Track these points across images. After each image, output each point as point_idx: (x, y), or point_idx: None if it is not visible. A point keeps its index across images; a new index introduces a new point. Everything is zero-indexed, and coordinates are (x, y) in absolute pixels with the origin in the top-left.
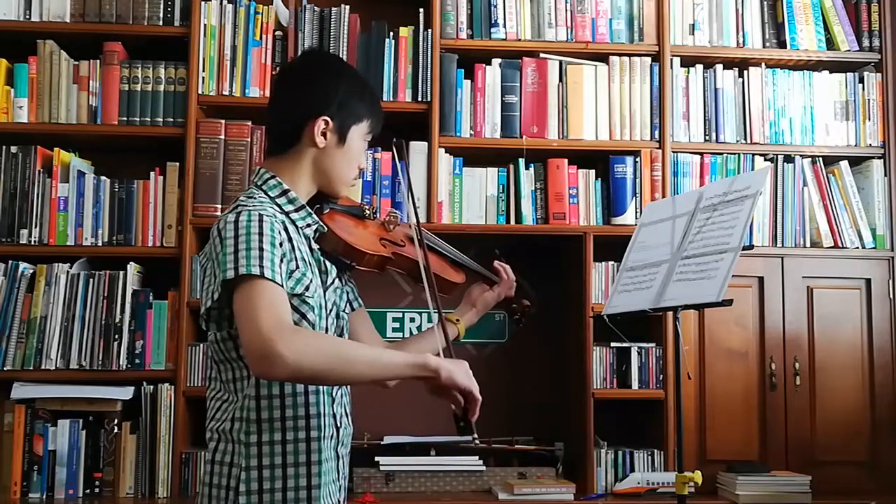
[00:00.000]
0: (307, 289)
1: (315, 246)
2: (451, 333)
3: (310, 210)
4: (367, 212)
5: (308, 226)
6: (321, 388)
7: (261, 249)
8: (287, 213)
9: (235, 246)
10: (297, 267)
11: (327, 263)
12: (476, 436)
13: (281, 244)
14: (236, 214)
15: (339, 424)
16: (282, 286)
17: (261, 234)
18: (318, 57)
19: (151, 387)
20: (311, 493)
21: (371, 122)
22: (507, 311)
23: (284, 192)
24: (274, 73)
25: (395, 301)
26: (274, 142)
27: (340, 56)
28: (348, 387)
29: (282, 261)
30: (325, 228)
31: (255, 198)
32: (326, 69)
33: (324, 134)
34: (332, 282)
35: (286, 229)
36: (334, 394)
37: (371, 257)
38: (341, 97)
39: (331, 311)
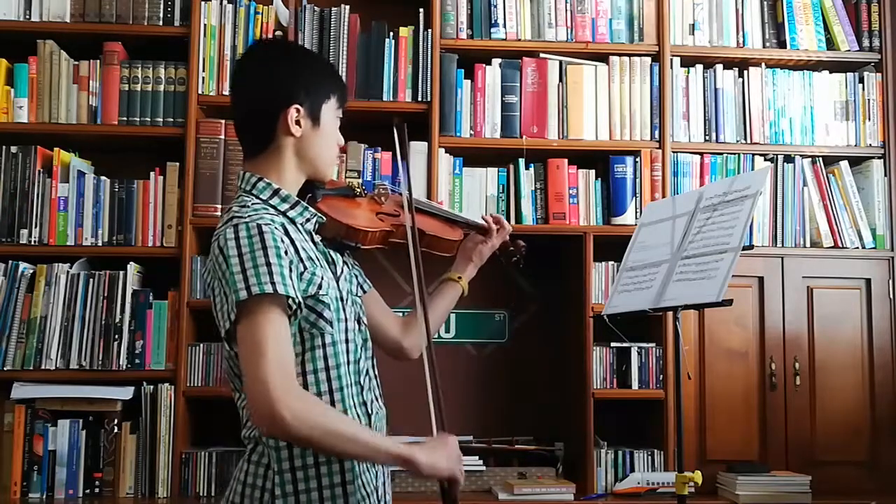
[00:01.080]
0: (320, 287)
1: (317, 238)
2: (456, 292)
3: (305, 205)
4: (358, 190)
5: (307, 220)
6: (346, 381)
7: (268, 264)
8: (284, 213)
9: (242, 264)
10: (306, 268)
11: (332, 254)
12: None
13: (286, 252)
14: (234, 229)
15: (370, 411)
16: (295, 297)
17: (264, 247)
18: (267, 46)
19: (151, 387)
20: (347, 489)
21: (338, 96)
22: (504, 256)
23: (276, 192)
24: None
25: (396, 301)
26: (249, 143)
27: (284, 38)
28: (375, 369)
29: (291, 270)
30: (324, 218)
31: (248, 206)
32: (280, 56)
33: (297, 122)
34: (342, 271)
35: (287, 232)
36: (362, 381)
37: (374, 234)
38: (304, 80)
39: (346, 299)
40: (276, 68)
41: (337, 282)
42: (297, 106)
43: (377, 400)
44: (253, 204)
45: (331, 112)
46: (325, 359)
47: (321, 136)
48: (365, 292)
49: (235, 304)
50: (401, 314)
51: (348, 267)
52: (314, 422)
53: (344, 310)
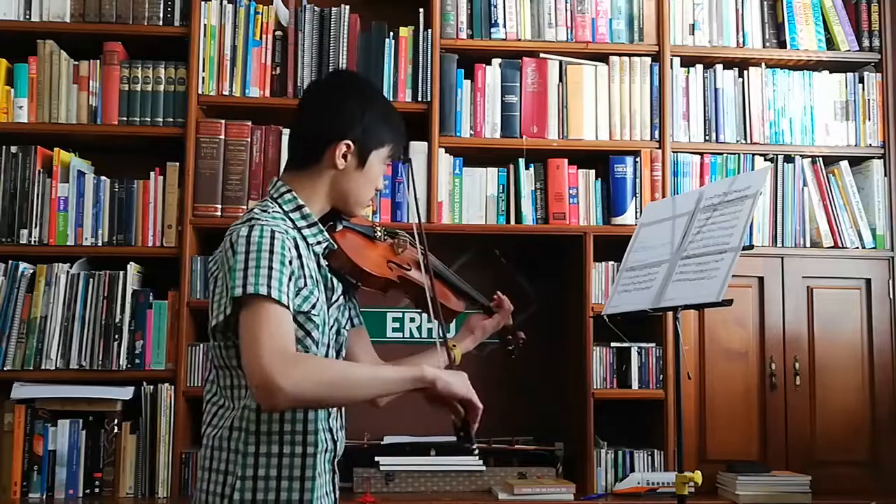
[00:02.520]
0: (313, 307)
1: (324, 262)
2: (446, 360)
3: (321, 227)
4: (379, 233)
5: (318, 243)
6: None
7: (270, 268)
8: (299, 229)
9: (246, 262)
10: (305, 284)
11: (334, 280)
12: (475, 445)
13: (290, 262)
14: (249, 228)
15: (335, 438)
16: (287, 307)
17: (271, 251)
18: (347, 78)
19: (151, 387)
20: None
21: (392, 147)
22: (501, 341)
23: (299, 208)
24: (274, 73)
25: (396, 301)
26: (294, 157)
27: (366, 77)
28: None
29: (290, 280)
30: (335, 246)
31: (268, 211)
32: (354, 91)
33: (344, 156)
34: (337, 299)
35: (297, 246)
36: (331, 409)
37: (377, 279)
38: (366, 122)
39: (332, 326)
40: (345, 100)
41: (328, 307)
42: (349, 142)
43: (341, 430)
44: (273, 211)
45: (379, 159)
46: None
47: (362, 177)
48: (353, 327)
49: (231, 300)
50: (400, 314)
51: (345, 298)
52: (315, 379)
53: (327, 335)
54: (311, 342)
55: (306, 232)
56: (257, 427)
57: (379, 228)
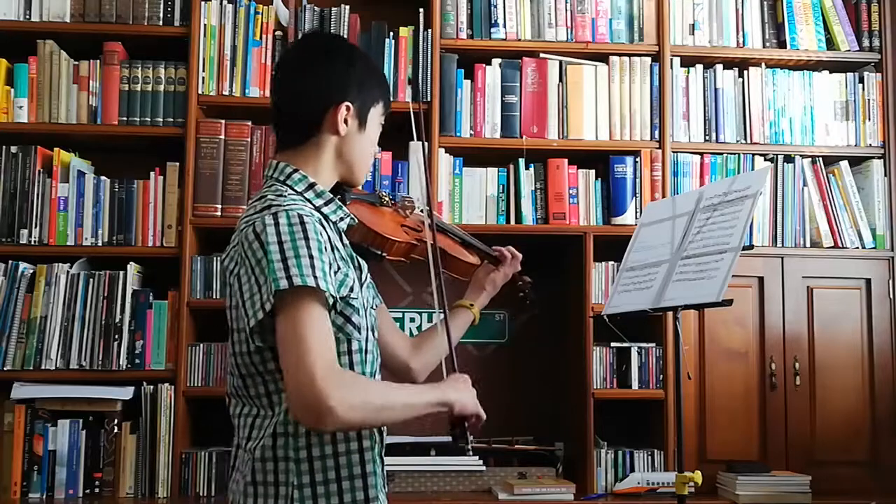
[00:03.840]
0: (351, 290)
1: (346, 240)
2: (467, 319)
3: (339, 203)
4: (385, 199)
5: (341, 219)
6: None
7: (311, 257)
8: (318, 208)
9: (282, 252)
10: (339, 268)
11: (359, 259)
12: (470, 445)
13: (326, 248)
14: (273, 216)
15: (381, 429)
16: (334, 298)
17: (306, 238)
18: (326, 40)
19: (151, 387)
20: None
21: (384, 102)
22: (512, 290)
23: (311, 186)
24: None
25: (396, 301)
26: (289, 133)
27: (339, 35)
28: None
29: (330, 266)
30: (356, 220)
31: (284, 195)
32: (338, 52)
33: (346, 120)
34: (366, 278)
35: (324, 227)
36: None
37: (399, 245)
38: (358, 79)
39: (367, 308)
40: (333, 62)
41: (361, 288)
42: (348, 104)
43: (388, 424)
44: (288, 194)
45: (376, 117)
46: (350, 366)
47: (363, 139)
48: (376, 307)
49: (273, 293)
50: (400, 314)
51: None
52: (361, 404)
53: (366, 317)
54: (353, 328)
55: (326, 210)
56: (307, 429)
57: (384, 194)
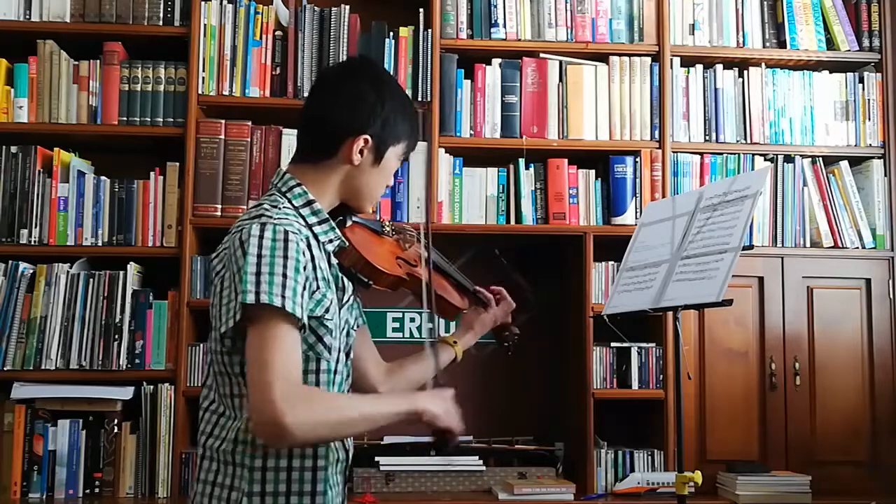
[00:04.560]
0: (327, 310)
1: (334, 261)
2: (449, 355)
3: (333, 224)
4: (387, 228)
5: (330, 241)
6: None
7: (284, 276)
8: (310, 226)
9: (258, 266)
10: (318, 287)
11: (345, 280)
12: (449, 453)
13: (304, 267)
14: (261, 227)
15: (346, 447)
16: (301, 319)
17: (286, 256)
18: (365, 66)
19: (151, 387)
20: None
21: (408, 143)
22: (496, 337)
23: (309, 203)
24: (274, 73)
25: (396, 301)
26: (305, 149)
27: (382, 66)
28: None
29: (304, 288)
30: (346, 243)
31: (279, 206)
32: (373, 82)
33: (361, 152)
34: (349, 299)
35: (309, 246)
36: None
37: (388, 277)
38: (385, 115)
39: (343, 328)
40: (365, 93)
41: (340, 309)
42: (367, 137)
43: (351, 437)
44: (284, 207)
45: (395, 155)
46: (317, 385)
47: (377, 173)
48: (358, 327)
49: (241, 305)
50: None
51: (355, 297)
52: (318, 421)
53: (339, 337)
54: (323, 348)
55: (318, 229)
56: None
57: (386, 223)
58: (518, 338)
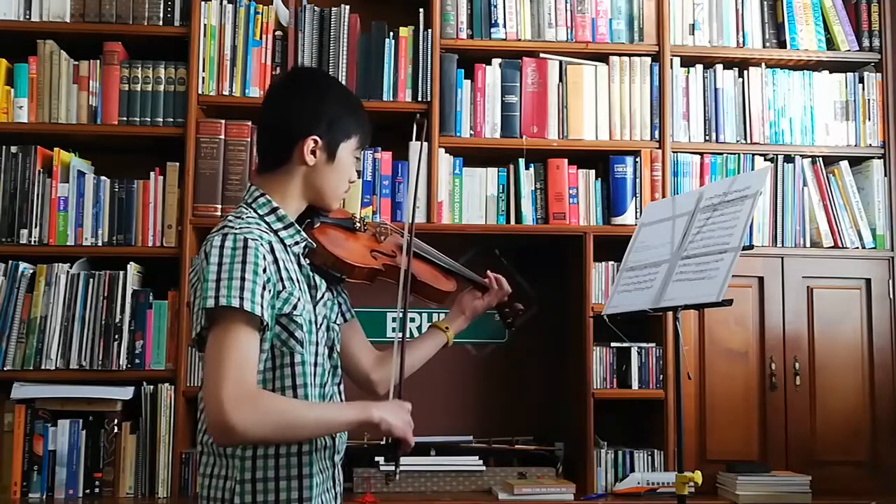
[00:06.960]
0: (294, 308)
1: (305, 262)
2: (440, 341)
3: (298, 227)
4: (358, 224)
5: (296, 243)
6: (316, 402)
7: (242, 279)
8: (275, 231)
9: (218, 273)
10: (284, 287)
11: (317, 278)
12: (398, 469)
13: (265, 270)
14: (222, 237)
15: (333, 434)
16: (261, 318)
17: (244, 262)
18: (305, 74)
19: (151, 387)
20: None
21: (360, 138)
22: (498, 313)
23: (273, 210)
24: (274, 73)
25: (395, 301)
26: (264, 160)
27: (324, 71)
28: (342, 395)
29: (265, 288)
30: (314, 244)
31: (243, 218)
32: (313, 87)
33: (313, 152)
34: (322, 296)
35: (272, 250)
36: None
37: (361, 269)
38: (329, 115)
39: (321, 324)
40: (306, 98)
41: (314, 306)
42: (316, 138)
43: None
44: (248, 217)
45: (348, 150)
46: (292, 377)
47: (333, 171)
48: (346, 321)
49: (203, 310)
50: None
51: (332, 293)
52: (263, 422)
53: (316, 333)
54: (295, 342)
55: (283, 234)
56: None
57: (358, 219)
58: (521, 313)
